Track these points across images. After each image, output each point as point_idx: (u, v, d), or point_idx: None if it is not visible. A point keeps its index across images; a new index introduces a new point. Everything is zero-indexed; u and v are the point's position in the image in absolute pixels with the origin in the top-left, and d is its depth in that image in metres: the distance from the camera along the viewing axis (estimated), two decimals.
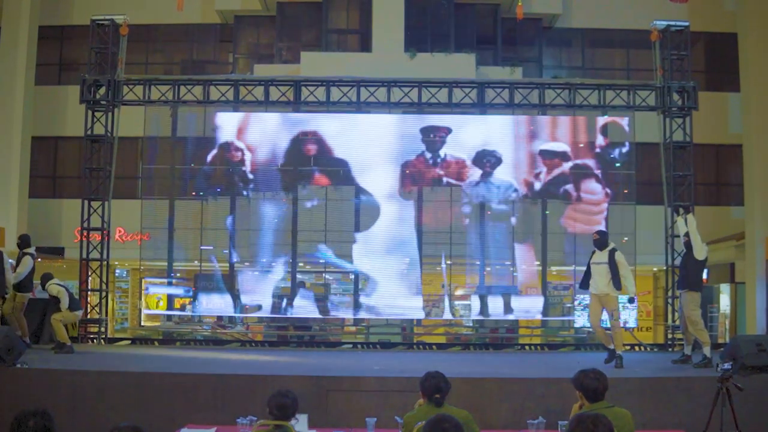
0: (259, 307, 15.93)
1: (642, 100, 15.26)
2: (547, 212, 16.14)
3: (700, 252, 10.40)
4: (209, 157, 16.23)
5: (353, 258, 15.79)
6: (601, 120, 15.86)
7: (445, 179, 15.97)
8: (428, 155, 15.89)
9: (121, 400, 8.01)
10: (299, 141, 15.97)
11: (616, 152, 16.24)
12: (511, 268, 16.30)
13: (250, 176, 15.98)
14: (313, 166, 16.17)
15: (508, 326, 16.90)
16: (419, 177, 15.99)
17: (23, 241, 12.22)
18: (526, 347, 15.30)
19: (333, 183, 16.22)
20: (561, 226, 15.96)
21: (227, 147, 15.99)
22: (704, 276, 11.33)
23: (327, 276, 18.03)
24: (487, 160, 15.78)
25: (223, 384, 8.19)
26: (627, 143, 16.16)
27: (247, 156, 15.89)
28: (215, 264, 16.23)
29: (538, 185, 15.90)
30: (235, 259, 15.98)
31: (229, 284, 15.87)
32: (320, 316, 16.20)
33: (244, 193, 16.10)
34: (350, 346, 15.14)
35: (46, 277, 11.96)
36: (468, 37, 20.31)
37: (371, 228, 15.82)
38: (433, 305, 17.68)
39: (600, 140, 15.98)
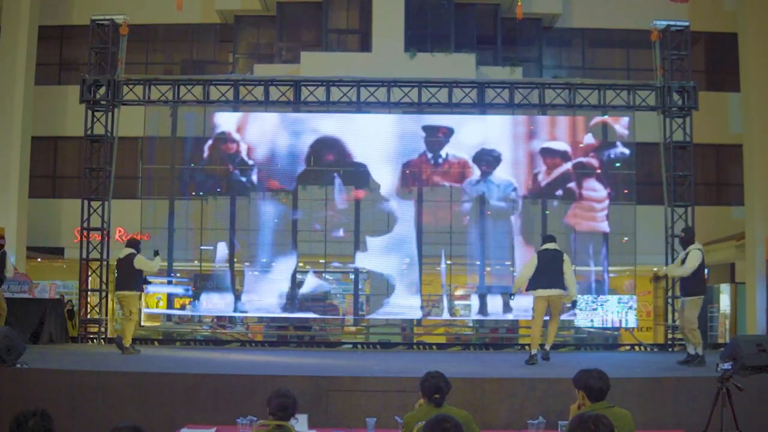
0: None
1: (642, 100, 15.25)
2: (547, 212, 16.13)
3: (691, 268, 10.29)
4: (206, 149, 16.24)
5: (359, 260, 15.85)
6: (596, 120, 15.88)
7: (446, 179, 15.97)
8: (429, 155, 15.89)
9: (121, 400, 7.99)
10: (319, 144, 15.98)
11: (616, 152, 16.22)
12: (511, 268, 16.29)
13: (250, 162, 15.94)
14: (322, 168, 16.23)
15: (508, 326, 16.87)
16: (420, 177, 15.99)
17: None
18: (526, 347, 15.24)
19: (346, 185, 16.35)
20: (560, 225, 15.94)
21: (223, 138, 15.99)
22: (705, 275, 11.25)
23: (327, 276, 18.01)
24: (486, 159, 15.78)
25: (223, 384, 8.17)
26: (625, 143, 16.14)
27: (243, 147, 15.88)
28: (216, 263, 16.22)
29: (538, 185, 15.90)
30: (234, 258, 15.99)
31: (229, 284, 15.86)
32: (320, 316, 16.20)
33: (243, 179, 16.07)
34: (350, 346, 15.14)
35: (132, 243, 11.99)
36: (468, 37, 20.29)
37: (384, 235, 15.89)
38: (432, 305, 17.66)
39: (591, 140, 16.00)
